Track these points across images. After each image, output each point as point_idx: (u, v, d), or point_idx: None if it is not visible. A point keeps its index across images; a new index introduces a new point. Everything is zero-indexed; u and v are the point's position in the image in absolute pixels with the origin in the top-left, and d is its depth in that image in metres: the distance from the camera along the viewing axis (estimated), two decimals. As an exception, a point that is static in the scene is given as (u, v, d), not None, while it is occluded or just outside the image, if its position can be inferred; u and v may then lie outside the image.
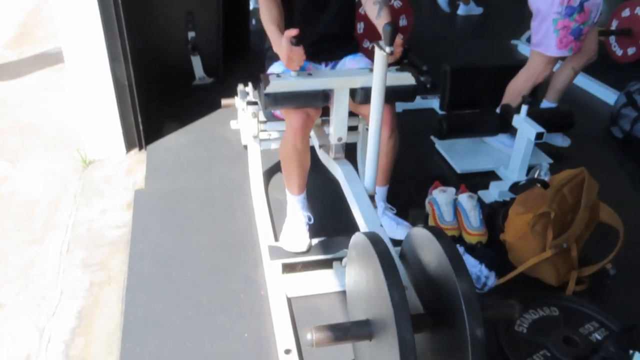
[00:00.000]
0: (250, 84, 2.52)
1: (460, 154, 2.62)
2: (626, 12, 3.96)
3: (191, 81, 3.41)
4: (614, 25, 4.06)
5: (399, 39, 1.55)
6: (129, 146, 2.70)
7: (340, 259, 1.85)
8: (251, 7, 4.37)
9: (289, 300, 1.75)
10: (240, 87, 2.60)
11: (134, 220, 2.17)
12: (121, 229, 2.15)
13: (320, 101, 1.70)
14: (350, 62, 1.97)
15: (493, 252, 1.92)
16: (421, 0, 5.89)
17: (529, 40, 4.13)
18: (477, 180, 2.40)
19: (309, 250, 1.87)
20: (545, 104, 2.74)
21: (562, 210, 1.82)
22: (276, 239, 2.00)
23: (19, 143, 2.83)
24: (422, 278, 1.23)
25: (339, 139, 1.75)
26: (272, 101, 1.66)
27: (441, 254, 1.10)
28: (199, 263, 1.94)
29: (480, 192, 2.31)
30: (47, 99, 3.31)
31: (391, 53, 1.29)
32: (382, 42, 1.29)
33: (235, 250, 2.01)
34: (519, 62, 2.52)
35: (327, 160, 1.82)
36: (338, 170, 1.68)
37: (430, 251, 1.17)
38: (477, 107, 2.53)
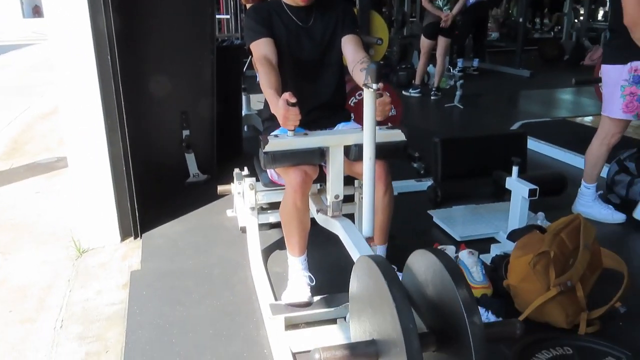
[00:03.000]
0: (245, 168, 2.77)
1: (458, 223, 2.80)
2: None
3: (185, 178, 3.65)
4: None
5: (387, 97, 1.81)
6: (124, 235, 2.85)
7: (343, 318, 1.94)
8: (243, 113, 4.80)
9: (294, 355, 1.82)
10: (236, 170, 2.84)
11: (130, 296, 2.26)
12: (117, 305, 2.23)
13: (317, 158, 1.88)
14: (344, 128, 2.22)
15: (499, 301, 2.02)
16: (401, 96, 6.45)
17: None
18: (478, 246, 2.53)
19: (310, 305, 1.96)
20: (584, 185, 2.93)
21: (562, 253, 1.97)
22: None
23: (11, 238, 2.97)
24: (423, 297, 1.30)
25: (336, 197, 1.92)
26: (270, 159, 1.83)
27: (443, 273, 1.18)
28: (200, 329, 2.01)
29: (482, 256, 2.44)
30: (39, 201, 3.51)
31: (378, 89, 1.53)
32: (369, 83, 1.53)
33: (236, 317, 2.09)
34: (505, 132, 2.80)
35: (326, 220, 1.98)
36: (337, 225, 1.83)
37: (431, 270, 1.25)
38: (469, 177, 2.75)
